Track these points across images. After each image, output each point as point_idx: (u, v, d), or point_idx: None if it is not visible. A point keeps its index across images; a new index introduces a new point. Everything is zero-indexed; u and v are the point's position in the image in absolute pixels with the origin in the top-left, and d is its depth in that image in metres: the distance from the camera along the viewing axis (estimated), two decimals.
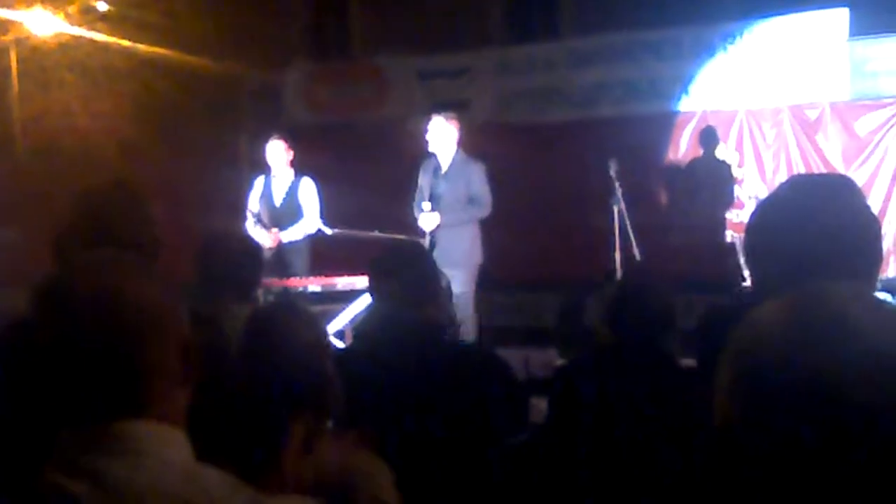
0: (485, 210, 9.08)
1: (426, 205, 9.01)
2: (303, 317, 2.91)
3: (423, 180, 9.22)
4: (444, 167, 9.13)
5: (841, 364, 1.22)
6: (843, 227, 2.22)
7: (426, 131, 9.17)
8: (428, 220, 8.97)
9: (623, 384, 3.54)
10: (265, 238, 9.32)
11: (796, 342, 1.26)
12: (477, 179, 9.04)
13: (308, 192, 9.74)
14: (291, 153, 9.77)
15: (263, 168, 9.88)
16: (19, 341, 1.81)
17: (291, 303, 3.86)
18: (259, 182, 9.86)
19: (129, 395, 1.72)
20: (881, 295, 10.26)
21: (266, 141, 9.87)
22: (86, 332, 1.70)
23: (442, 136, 9.09)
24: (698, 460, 2.83)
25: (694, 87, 12.88)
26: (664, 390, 3.39)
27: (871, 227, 2.29)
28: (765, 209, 2.40)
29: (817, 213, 2.23)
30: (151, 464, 1.67)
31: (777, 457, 1.25)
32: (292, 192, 9.74)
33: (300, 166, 9.96)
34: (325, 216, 9.85)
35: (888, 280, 10.87)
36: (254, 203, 9.77)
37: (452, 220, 8.88)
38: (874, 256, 2.29)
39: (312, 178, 9.82)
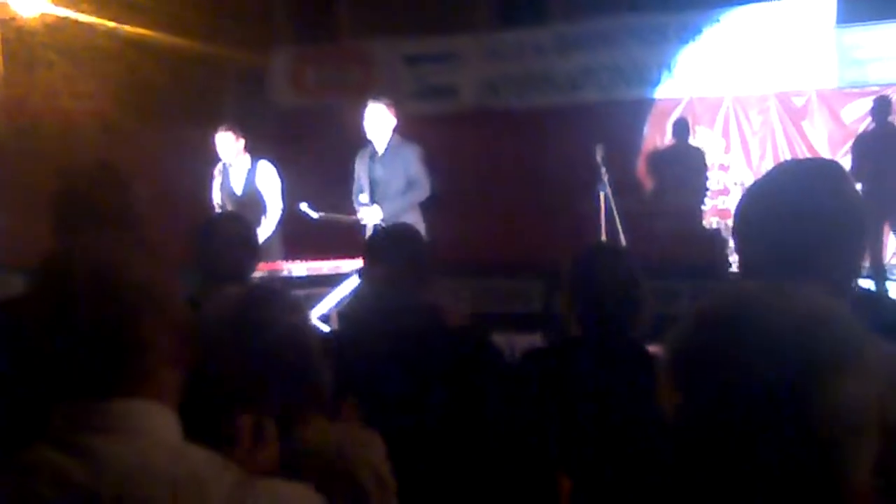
0: (422, 192, 9.08)
1: (363, 196, 9.06)
2: (286, 298, 2.90)
3: (360, 168, 9.23)
4: (380, 151, 9.14)
5: (754, 358, 1.30)
6: (830, 212, 2.22)
7: (362, 117, 9.17)
8: (368, 214, 9.01)
9: (583, 372, 3.50)
10: None
11: (718, 340, 1.35)
12: (413, 162, 9.05)
13: (267, 176, 9.68)
14: (242, 140, 9.68)
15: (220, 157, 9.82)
16: (15, 318, 1.80)
17: (272, 285, 3.85)
18: (218, 171, 9.81)
19: (123, 374, 1.73)
20: (866, 282, 10.33)
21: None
22: (82, 309, 1.71)
23: (378, 122, 9.10)
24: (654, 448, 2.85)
25: (681, 74, 12.88)
26: (627, 377, 3.36)
27: (857, 213, 2.28)
28: (752, 194, 2.40)
29: (804, 198, 2.23)
30: (142, 442, 1.68)
31: (709, 441, 1.34)
32: (251, 179, 9.68)
33: (286, 150, 9.93)
34: (311, 200, 9.82)
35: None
36: (216, 193, 9.74)
37: (394, 210, 8.84)
38: (859, 241, 2.30)
39: (270, 161, 9.77)
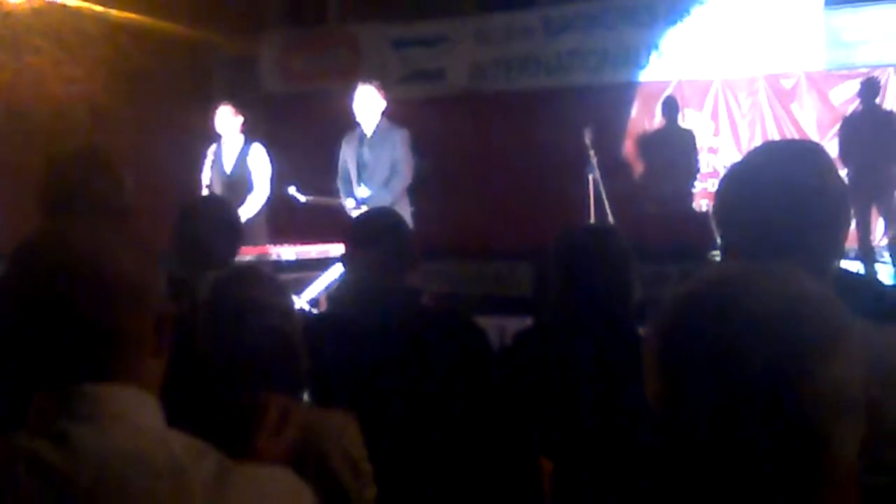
0: (404, 179, 9.12)
1: (348, 181, 9.10)
2: (267, 280, 2.90)
3: (347, 151, 9.27)
4: (369, 134, 9.18)
5: (739, 341, 1.30)
6: (810, 193, 2.22)
7: (351, 100, 9.19)
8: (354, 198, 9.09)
9: (572, 354, 3.49)
10: None
11: (700, 322, 1.34)
12: (400, 145, 9.10)
13: (258, 158, 9.70)
14: (240, 118, 9.72)
15: (215, 136, 9.83)
16: None
17: (252, 268, 3.85)
18: (211, 150, 9.82)
19: (101, 360, 1.71)
20: (850, 263, 10.34)
21: (218, 108, 9.83)
22: (62, 294, 1.69)
23: (368, 104, 9.15)
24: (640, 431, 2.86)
25: (669, 56, 12.87)
26: (616, 359, 3.35)
27: (838, 195, 2.29)
28: (733, 176, 2.41)
29: (784, 180, 2.23)
30: (122, 429, 1.67)
31: (693, 424, 1.33)
32: (242, 158, 9.71)
33: (275, 134, 9.94)
34: (300, 185, 9.82)
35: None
36: (206, 172, 9.74)
37: (379, 202, 8.81)
38: (841, 223, 2.30)
39: (263, 143, 9.78)
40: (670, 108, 12.31)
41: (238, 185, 9.57)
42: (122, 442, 1.65)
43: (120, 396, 1.71)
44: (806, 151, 2.43)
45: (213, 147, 9.81)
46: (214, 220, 4.36)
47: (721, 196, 2.39)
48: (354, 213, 8.66)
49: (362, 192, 9.02)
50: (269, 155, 9.70)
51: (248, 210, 9.48)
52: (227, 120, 9.71)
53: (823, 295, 1.37)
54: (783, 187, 2.22)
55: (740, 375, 1.28)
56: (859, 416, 1.32)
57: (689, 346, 1.34)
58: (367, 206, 8.57)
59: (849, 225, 2.35)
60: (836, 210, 2.27)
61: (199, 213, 4.40)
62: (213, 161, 9.74)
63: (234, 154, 9.72)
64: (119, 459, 1.63)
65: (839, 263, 2.42)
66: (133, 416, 1.70)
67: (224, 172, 9.68)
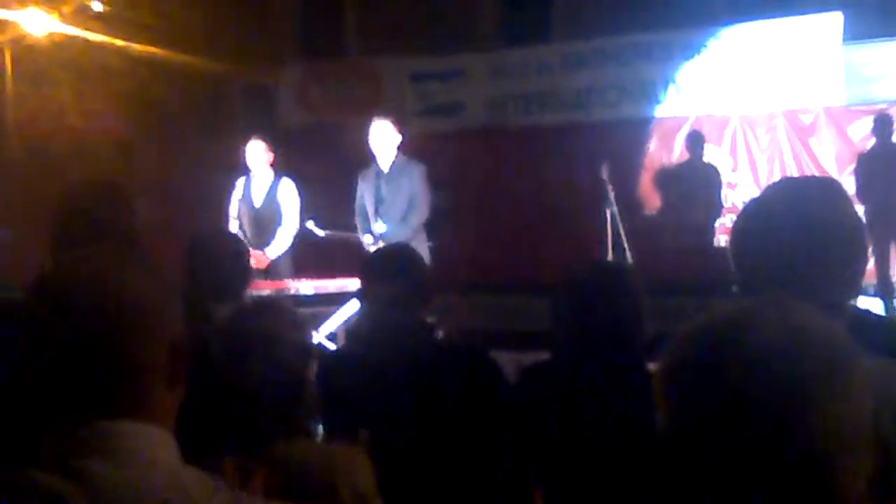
0: (422, 214, 9.12)
1: (378, 226, 9.12)
2: (286, 315, 2.91)
3: (365, 187, 9.28)
4: (385, 169, 9.19)
5: (745, 376, 1.31)
6: (825, 229, 2.22)
7: (367, 134, 9.21)
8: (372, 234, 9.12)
9: (580, 390, 3.47)
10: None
11: (709, 357, 1.35)
12: (417, 179, 9.10)
13: (288, 192, 9.73)
14: (271, 154, 9.77)
15: (244, 170, 9.87)
16: (10, 336, 1.80)
17: (273, 300, 3.85)
18: (239, 183, 9.86)
19: (117, 394, 1.71)
20: (869, 300, 10.30)
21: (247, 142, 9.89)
22: (77, 328, 1.69)
23: (384, 138, 9.16)
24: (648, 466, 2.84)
25: (687, 91, 12.87)
26: (625, 395, 3.34)
27: (854, 231, 2.28)
28: (749, 211, 2.41)
29: (800, 216, 2.24)
30: (137, 465, 1.67)
31: (700, 458, 1.34)
32: (272, 193, 9.74)
33: (294, 168, 9.97)
34: (319, 218, 9.84)
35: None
36: (234, 205, 9.78)
37: (397, 238, 8.80)
38: (857, 259, 2.29)
39: (292, 178, 9.82)
40: (695, 142, 12.21)
41: (267, 219, 9.62)
42: (136, 478, 1.65)
43: (135, 432, 1.71)
44: (822, 187, 2.44)
45: (242, 180, 9.85)
46: (221, 254, 4.37)
47: (737, 231, 2.39)
48: (372, 249, 8.66)
49: (380, 227, 9.03)
50: (298, 189, 9.74)
51: (280, 246, 9.57)
52: (259, 154, 9.74)
53: (830, 330, 1.38)
54: (799, 223, 2.22)
55: (746, 410, 1.29)
56: (867, 449, 1.32)
57: (696, 381, 1.35)
58: (385, 241, 8.57)
59: (865, 261, 2.35)
60: (851, 246, 2.27)
61: (206, 248, 4.42)
62: (243, 194, 9.78)
63: (264, 188, 9.76)
64: (133, 495, 1.63)
65: (856, 299, 2.41)
66: (147, 451, 1.70)
67: (253, 206, 9.72)
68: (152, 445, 1.72)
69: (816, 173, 12.07)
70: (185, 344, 1.83)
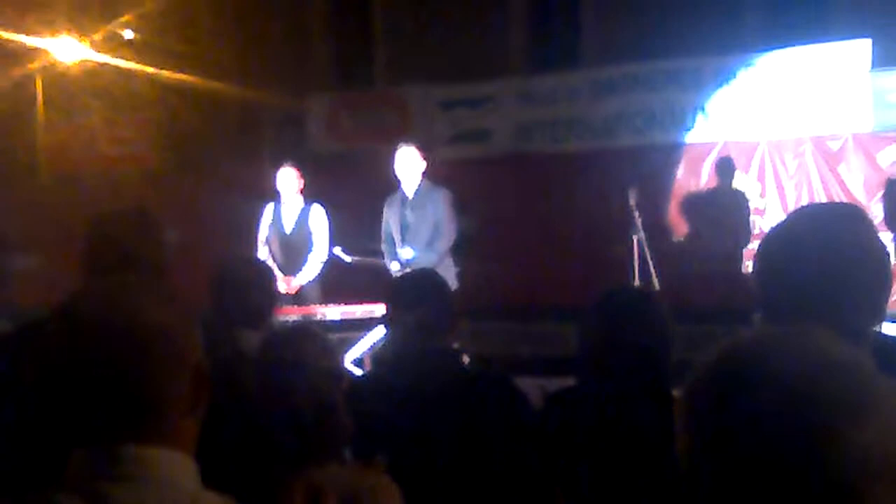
0: (448, 240, 9.15)
1: (405, 252, 9.12)
2: (318, 341, 2.92)
3: (390, 214, 9.31)
4: (410, 195, 9.23)
5: (768, 405, 1.29)
6: (849, 256, 2.22)
7: (394, 161, 9.25)
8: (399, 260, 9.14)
9: (604, 417, 3.48)
10: (280, 283, 9.44)
11: (733, 385, 1.33)
12: (441, 205, 9.14)
13: (318, 219, 9.79)
14: (302, 181, 9.83)
15: (274, 196, 9.93)
16: (37, 362, 1.82)
17: (304, 326, 3.87)
18: (269, 209, 9.92)
19: (141, 420, 1.72)
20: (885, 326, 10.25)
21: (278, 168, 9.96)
22: (101, 355, 1.71)
23: (409, 165, 9.22)
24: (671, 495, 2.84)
25: (715, 117, 12.85)
26: (649, 422, 3.33)
27: (878, 258, 2.28)
28: (772, 238, 2.41)
29: (824, 243, 2.24)
30: (159, 491, 1.68)
31: (721, 488, 1.32)
32: (303, 219, 9.80)
33: (322, 195, 10.03)
34: (346, 245, 9.89)
35: None
36: (264, 231, 9.84)
37: (424, 264, 8.85)
38: (881, 286, 2.29)
39: (322, 204, 9.87)
40: (725, 168, 12.14)
41: (297, 244, 9.69)
42: (156, 502, 1.67)
43: (157, 458, 1.72)
44: (845, 214, 2.44)
45: (271, 206, 9.91)
46: (245, 280, 4.41)
47: (761, 257, 2.39)
48: (399, 275, 8.68)
49: (406, 253, 9.06)
50: (328, 216, 9.80)
51: (310, 272, 9.64)
52: (290, 181, 9.81)
53: (855, 357, 1.36)
54: (822, 249, 2.23)
55: (770, 439, 1.27)
56: (894, 483, 1.30)
57: (719, 405, 1.33)
58: (412, 267, 8.59)
59: (890, 286, 2.34)
60: (875, 272, 2.27)
61: (230, 275, 4.45)
62: (273, 220, 9.84)
63: (295, 214, 9.82)
64: None
65: (880, 326, 2.41)
66: (170, 477, 1.72)
67: (283, 232, 9.78)
68: (174, 471, 1.73)
69: (845, 199, 12.02)
70: (208, 371, 1.84)
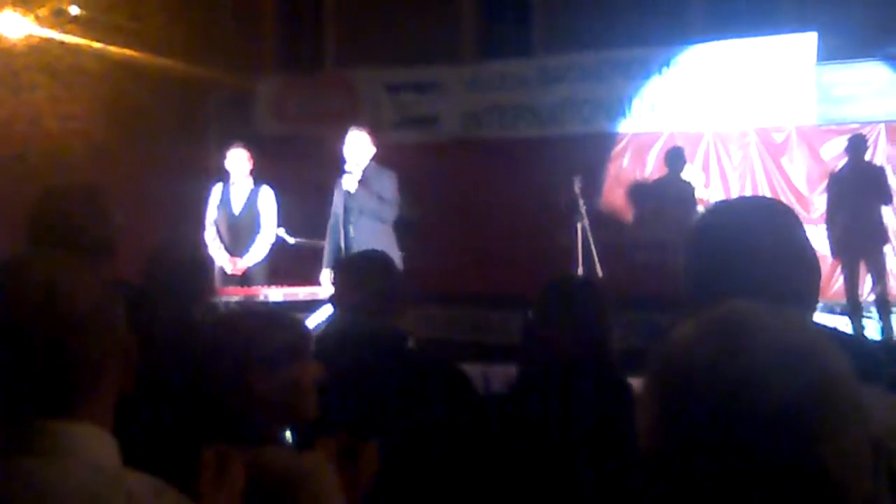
0: (392, 211, 9.09)
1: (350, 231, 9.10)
2: (254, 322, 2.91)
3: (338, 196, 9.26)
4: (358, 176, 9.18)
5: (752, 380, 1.23)
6: (770, 247, 2.24)
7: (343, 144, 9.23)
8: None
9: (550, 404, 3.50)
10: (226, 264, 9.43)
11: (710, 362, 1.26)
12: (388, 184, 9.11)
13: (267, 201, 9.81)
14: (252, 162, 9.81)
15: (223, 175, 9.91)
16: None
17: (251, 308, 3.87)
18: (217, 190, 9.90)
19: (62, 395, 1.70)
20: (839, 319, 10.37)
21: (229, 149, 9.93)
22: (21, 328, 1.68)
23: (359, 149, 9.18)
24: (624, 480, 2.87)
25: (661, 108, 12.93)
26: (598, 408, 3.37)
27: (799, 248, 2.31)
28: (692, 230, 2.44)
29: (744, 234, 2.26)
30: (79, 466, 1.66)
31: (700, 476, 1.25)
32: (252, 201, 9.81)
33: (267, 177, 10.01)
34: (290, 227, 9.89)
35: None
36: (212, 211, 9.81)
37: (365, 231, 8.91)
38: (806, 277, 2.31)
39: (272, 186, 9.86)
40: (675, 158, 12.10)
41: (245, 226, 9.68)
42: (78, 480, 1.64)
43: (77, 433, 1.70)
44: (766, 207, 2.47)
45: (219, 186, 9.89)
46: (179, 259, 4.40)
47: (684, 249, 2.42)
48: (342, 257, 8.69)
49: (350, 232, 9.01)
50: (276, 198, 9.79)
51: (257, 253, 9.66)
52: (240, 162, 9.80)
53: (825, 338, 1.30)
54: (742, 241, 2.25)
55: (759, 411, 1.21)
56: (868, 466, 1.26)
57: (700, 382, 1.25)
58: (355, 241, 8.64)
59: (817, 278, 2.36)
60: (797, 264, 2.29)
61: (165, 254, 4.45)
62: (221, 201, 9.81)
63: (244, 196, 9.83)
64: (75, 498, 1.62)
65: (812, 316, 2.44)
66: (90, 453, 1.69)
67: (232, 213, 9.78)
68: (94, 447, 1.71)
69: (788, 191, 12.18)
70: (133, 348, 1.83)
